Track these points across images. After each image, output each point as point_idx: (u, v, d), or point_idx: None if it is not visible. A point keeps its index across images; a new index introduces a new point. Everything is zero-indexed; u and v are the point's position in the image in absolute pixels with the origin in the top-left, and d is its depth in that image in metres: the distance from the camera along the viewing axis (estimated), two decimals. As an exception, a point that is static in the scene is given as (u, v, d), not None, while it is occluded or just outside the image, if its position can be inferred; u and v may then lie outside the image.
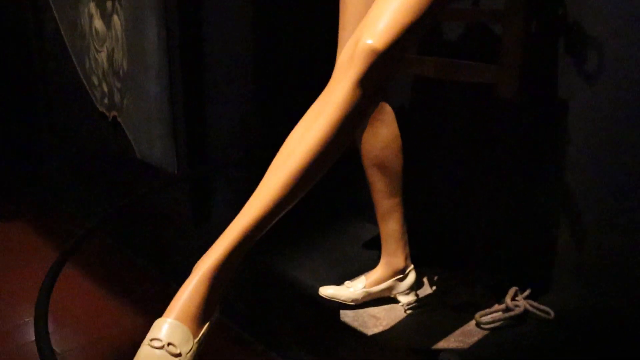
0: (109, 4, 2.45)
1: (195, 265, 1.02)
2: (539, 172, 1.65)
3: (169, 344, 0.94)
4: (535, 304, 1.56)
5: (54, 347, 1.71)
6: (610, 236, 1.53)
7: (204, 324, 1.00)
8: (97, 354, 2.13)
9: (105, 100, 2.68)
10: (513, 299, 1.57)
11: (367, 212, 1.99)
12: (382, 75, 1.04)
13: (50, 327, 1.38)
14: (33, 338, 1.46)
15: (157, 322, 0.97)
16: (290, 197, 1.04)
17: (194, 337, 0.97)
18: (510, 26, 1.42)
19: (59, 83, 3.17)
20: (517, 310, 1.53)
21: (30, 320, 2.27)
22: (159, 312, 1.00)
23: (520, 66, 1.42)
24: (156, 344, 0.94)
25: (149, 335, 0.96)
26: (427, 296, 1.64)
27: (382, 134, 1.43)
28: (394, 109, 1.48)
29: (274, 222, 1.05)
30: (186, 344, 0.96)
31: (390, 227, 1.51)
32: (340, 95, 1.03)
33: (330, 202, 2.16)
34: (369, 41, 1.03)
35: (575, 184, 1.58)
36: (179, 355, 0.94)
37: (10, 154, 4.19)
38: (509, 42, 1.42)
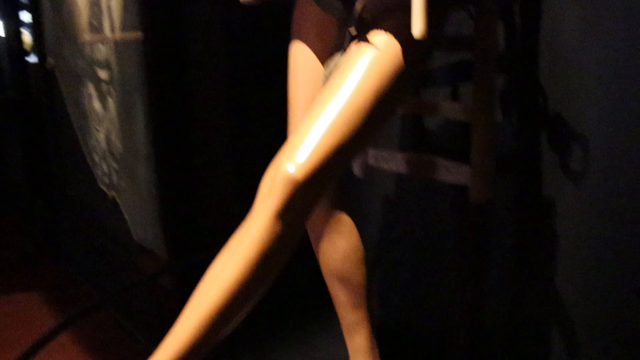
0: (104, 86, 2.44)
1: None
2: (526, 276, 1.50)
3: None
4: None
5: None
6: (605, 341, 1.37)
7: None
8: None
9: (106, 179, 2.66)
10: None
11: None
12: (304, 207, 0.94)
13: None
14: None
15: None
16: (205, 342, 0.94)
17: None
18: (478, 122, 1.31)
19: (70, 159, 3.19)
20: None
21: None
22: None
23: (491, 166, 1.30)
24: None
25: None
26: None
27: (341, 246, 1.32)
28: (372, 202, 1.37)
29: None
30: None
31: (357, 342, 1.39)
32: (257, 229, 0.93)
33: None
34: (290, 169, 0.93)
35: (564, 287, 1.43)
36: None
37: (30, 225, 4.25)
38: (478, 141, 1.31)
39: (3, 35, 4.27)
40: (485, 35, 1.29)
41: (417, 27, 0.98)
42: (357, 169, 1.55)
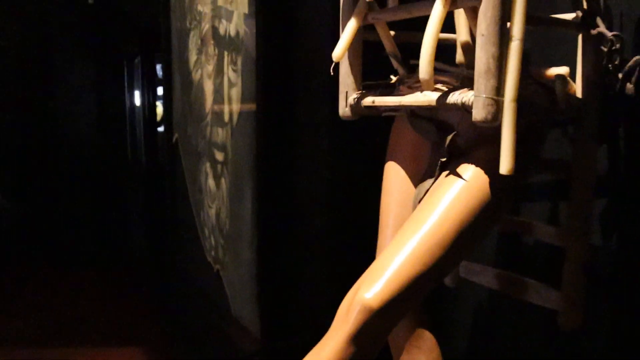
0: (219, 167, 2.61)
1: None
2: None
3: None
4: None
5: None
6: None
7: None
8: None
9: (212, 253, 2.80)
10: None
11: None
12: (378, 334, 0.97)
13: None
14: None
15: None
16: None
17: None
18: (572, 249, 1.28)
19: (184, 227, 3.39)
20: None
21: None
22: None
23: (582, 295, 1.26)
24: None
25: None
26: None
27: (421, 362, 1.32)
28: (461, 316, 1.36)
29: None
30: None
31: None
32: (329, 351, 0.97)
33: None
34: (367, 295, 0.97)
35: None
36: None
37: (141, 280, 4.50)
38: (570, 268, 1.28)
39: (139, 104, 4.69)
40: (584, 159, 1.28)
41: (504, 163, 1.00)
42: (448, 278, 1.55)
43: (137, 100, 4.68)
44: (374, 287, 0.97)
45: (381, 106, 1.21)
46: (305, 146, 2.07)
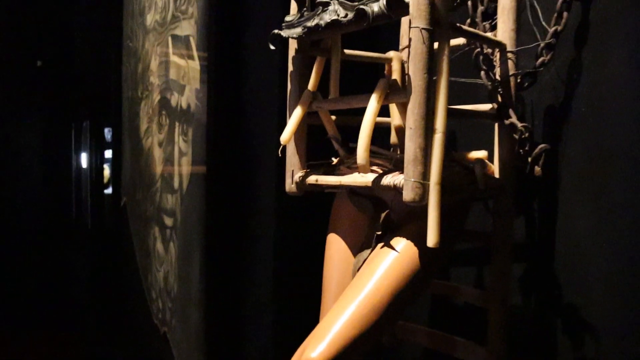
0: (167, 232, 2.70)
1: None
2: None
3: None
4: None
5: None
6: None
7: None
8: None
9: (160, 315, 2.85)
10: None
11: None
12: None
13: None
14: None
15: None
16: None
17: None
18: (493, 308, 1.44)
19: (131, 290, 3.43)
20: None
21: None
22: None
23: (504, 348, 1.41)
24: None
25: None
26: None
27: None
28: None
29: None
30: None
31: None
32: (280, 407, 1.08)
33: None
34: (313, 355, 1.09)
35: None
36: None
37: (85, 343, 4.45)
38: (493, 324, 1.43)
39: (86, 166, 4.73)
40: (502, 230, 1.45)
41: (431, 237, 1.15)
42: (385, 339, 1.69)
43: (84, 163, 4.73)
44: (319, 346, 1.09)
45: (324, 184, 1.36)
46: (253, 215, 2.20)
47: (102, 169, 4.35)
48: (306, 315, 2.25)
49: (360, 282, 1.16)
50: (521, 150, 1.38)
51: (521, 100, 1.58)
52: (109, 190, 4.31)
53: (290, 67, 1.43)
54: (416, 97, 1.12)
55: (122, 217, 3.50)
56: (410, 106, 1.14)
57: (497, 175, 1.43)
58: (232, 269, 2.27)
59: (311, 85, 1.39)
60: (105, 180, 4.33)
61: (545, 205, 1.56)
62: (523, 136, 1.34)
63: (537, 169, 1.40)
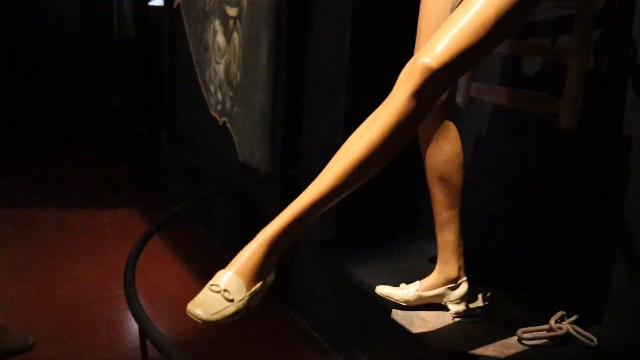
0: (231, 22, 2.76)
1: (260, 231, 1.21)
2: (598, 204, 1.72)
3: (224, 290, 1.15)
4: (579, 329, 1.61)
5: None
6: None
7: (258, 282, 1.19)
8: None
9: (219, 107, 2.98)
10: (558, 321, 1.64)
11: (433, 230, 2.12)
12: (434, 90, 1.20)
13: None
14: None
15: (219, 272, 1.18)
16: (343, 188, 1.22)
17: (247, 290, 1.17)
18: (574, 63, 1.53)
19: (183, 91, 3.55)
20: (559, 332, 1.60)
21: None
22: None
23: (580, 99, 1.52)
24: (214, 288, 1.15)
25: (211, 282, 1.17)
26: (477, 308, 1.74)
27: (445, 150, 1.57)
28: (468, 131, 1.61)
29: (328, 206, 1.23)
30: (239, 293, 1.16)
31: (447, 237, 1.64)
32: (396, 104, 1.20)
33: (399, 218, 2.31)
34: (426, 60, 1.19)
35: (634, 218, 1.63)
36: (232, 301, 1.14)
37: (130, 152, 4.66)
38: (571, 77, 1.53)
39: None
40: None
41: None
42: (460, 99, 1.80)
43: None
44: (432, 53, 1.19)
45: None
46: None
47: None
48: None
49: (466, 7, 1.24)
50: None
51: None
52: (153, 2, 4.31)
53: None
54: None
55: (174, 21, 3.54)
56: None
57: None
58: (300, 46, 2.34)
59: None
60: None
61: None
62: None
63: None
